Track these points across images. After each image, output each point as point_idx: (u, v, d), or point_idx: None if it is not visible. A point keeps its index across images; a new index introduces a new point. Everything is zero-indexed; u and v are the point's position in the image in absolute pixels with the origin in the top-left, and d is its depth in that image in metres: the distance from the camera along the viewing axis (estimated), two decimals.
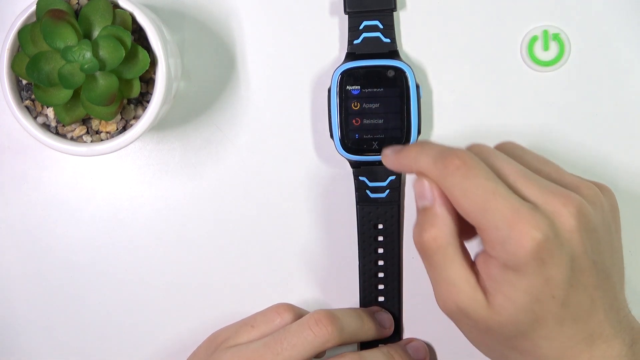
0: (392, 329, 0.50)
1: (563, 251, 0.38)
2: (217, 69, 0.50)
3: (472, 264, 0.41)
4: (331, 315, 0.46)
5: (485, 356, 0.45)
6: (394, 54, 0.48)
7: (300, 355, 0.45)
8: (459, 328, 0.43)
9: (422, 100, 0.48)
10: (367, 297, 0.50)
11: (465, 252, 0.41)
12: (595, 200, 0.41)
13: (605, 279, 0.40)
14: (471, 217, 0.39)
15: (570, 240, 0.39)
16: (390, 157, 0.44)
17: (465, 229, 0.41)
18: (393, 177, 0.49)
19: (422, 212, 0.41)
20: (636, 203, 0.50)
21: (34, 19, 0.43)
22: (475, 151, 0.41)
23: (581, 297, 0.39)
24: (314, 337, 0.45)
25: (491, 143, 0.50)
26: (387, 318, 0.50)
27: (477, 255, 0.41)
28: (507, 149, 0.43)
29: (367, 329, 0.48)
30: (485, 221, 0.39)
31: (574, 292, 0.39)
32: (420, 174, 0.41)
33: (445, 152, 0.40)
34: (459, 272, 0.41)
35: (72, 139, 0.45)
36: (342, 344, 0.47)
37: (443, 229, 0.40)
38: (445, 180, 0.40)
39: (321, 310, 0.47)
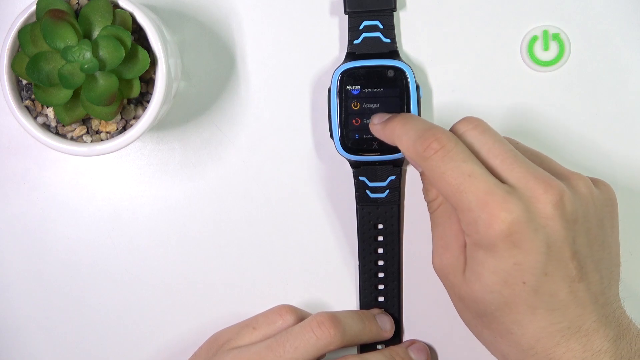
0: (393, 331, 0.50)
1: (537, 237, 0.38)
2: (217, 69, 0.51)
3: None
4: (333, 317, 0.46)
5: (484, 356, 0.45)
6: (394, 54, 0.48)
7: (303, 358, 0.45)
8: (447, 291, 0.45)
9: (422, 100, 0.48)
10: (367, 297, 0.50)
11: None
12: (585, 192, 0.41)
13: (589, 272, 0.40)
14: (448, 198, 0.40)
15: (545, 227, 0.39)
16: (376, 127, 0.46)
17: None
18: (393, 177, 0.49)
19: (422, 174, 0.45)
20: (636, 203, 0.50)
21: (34, 19, 0.43)
22: (472, 125, 0.42)
23: (558, 287, 0.39)
24: (316, 340, 0.45)
25: None
26: (387, 320, 0.49)
27: None
28: None
29: (368, 332, 0.48)
30: (460, 202, 0.40)
31: (549, 280, 0.39)
32: (402, 151, 0.43)
33: (426, 133, 0.41)
34: (452, 228, 0.43)
35: (72, 139, 0.45)
36: (344, 347, 0.47)
37: None
38: (424, 162, 0.41)
39: (323, 312, 0.47)
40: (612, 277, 0.42)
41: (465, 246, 0.42)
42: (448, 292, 0.44)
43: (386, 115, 0.45)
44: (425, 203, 0.45)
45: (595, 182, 0.43)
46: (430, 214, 0.45)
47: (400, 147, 0.43)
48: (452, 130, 0.43)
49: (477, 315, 0.42)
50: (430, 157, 0.40)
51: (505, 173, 0.40)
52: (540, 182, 0.39)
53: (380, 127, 0.45)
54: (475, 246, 0.40)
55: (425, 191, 0.45)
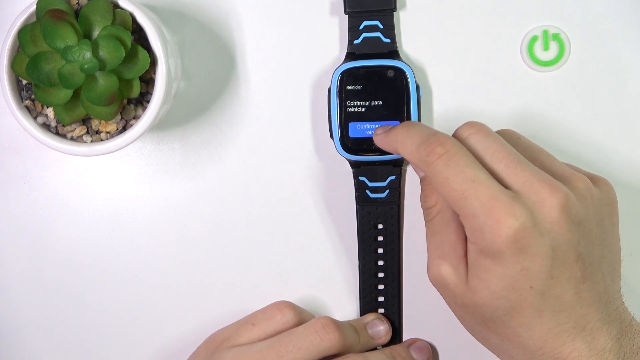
0: (389, 335, 0.49)
1: (543, 242, 0.38)
2: (217, 69, 0.51)
3: (465, 239, 0.42)
4: (337, 322, 0.47)
5: (486, 355, 0.45)
6: (394, 54, 0.48)
7: (305, 359, 0.45)
8: (445, 301, 0.44)
9: (422, 100, 0.48)
10: (367, 298, 0.50)
11: (462, 225, 0.42)
12: (585, 193, 0.41)
13: (592, 272, 0.40)
14: (452, 204, 0.40)
15: (551, 231, 0.39)
16: (380, 136, 0.45)
17: None
18: (393, 177, 0.49)
19: (422, 180, 0.44)
20: (636, 202, 0.50)
21: (34, 19, 0.43)
22: (474, 129, 0.42)
23: (563, 289, 0.39)
24: (320, 342, 0.45)
25: None
26: (382, 329, 0.49)
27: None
28: (504, 135, 0.44)
29: (360, 343, 0.48)
30: (464, 209, 0.39)
31: (555, 283, 0.39)
32: (405, 157, 0.43)
33: (429, 139, 0.41)
34: (449, 237, 0.42)
35: (72, 139, 0.45)
36: (341, 354, 0.47)
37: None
38: (427, 167, 0.41)
39: (326, 316, 0.47)
40: (614, 274, 0.42)
41: (465, 255, 0.42)
42: (448, 302, 0.44)
43: (389, 126, 0.45)
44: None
45: (595, 179, 0.43)
46: (427, 221, 0.44)
47: (403, 153, 0.43)
48: (455, 134, 0.42)
49: (482, 321, 0.42)
50: (434, 161, 0.40)
51: (510, 178, 0.40)
52: (545, 186, 0.39)
53: (384, 135, 0.44)
54: (481, 253, 0.40)
55: (424, 197, 0.44)
